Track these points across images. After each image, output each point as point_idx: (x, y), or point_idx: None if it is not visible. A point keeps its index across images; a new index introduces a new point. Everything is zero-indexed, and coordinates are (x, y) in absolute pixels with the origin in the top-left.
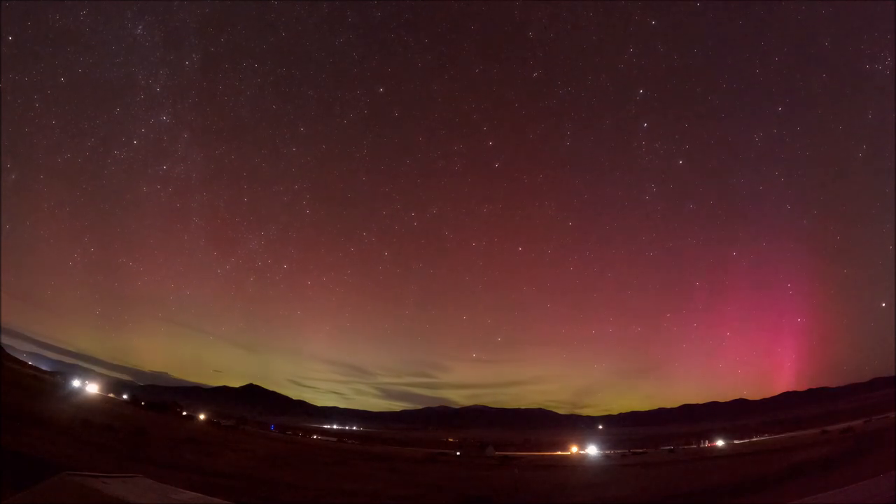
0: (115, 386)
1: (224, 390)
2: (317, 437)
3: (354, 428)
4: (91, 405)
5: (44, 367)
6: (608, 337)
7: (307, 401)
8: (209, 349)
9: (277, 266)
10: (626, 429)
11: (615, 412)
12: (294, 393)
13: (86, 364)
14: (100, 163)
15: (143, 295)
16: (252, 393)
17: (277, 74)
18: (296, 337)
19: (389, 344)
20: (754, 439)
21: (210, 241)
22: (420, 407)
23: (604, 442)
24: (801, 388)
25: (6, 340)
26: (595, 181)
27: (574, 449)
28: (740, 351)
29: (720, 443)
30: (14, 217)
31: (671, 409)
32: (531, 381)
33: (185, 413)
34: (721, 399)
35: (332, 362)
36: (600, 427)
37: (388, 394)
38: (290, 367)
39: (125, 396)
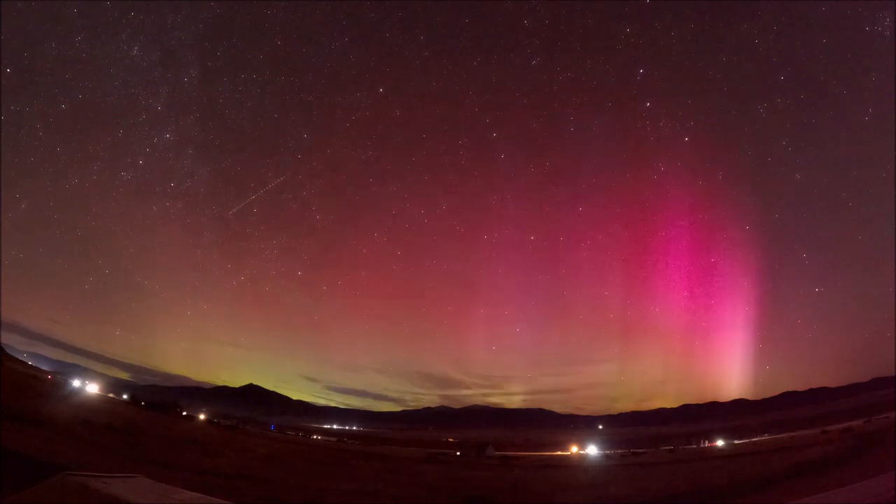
0: (115, 386)
1: (224, 390)
2: (317, 437)
3: (354, 428)
4: (91, 405)
5: (44, 367)
6: (626, 320)
7: (307, 401)
8: (229, 360)
9: (292, 273)
10: (626, 429)
11: (615, 412)
12: (297, 396)
13: (87, 361)
14: (108, 185)
15: (161, 313)
16: (252, 393)
17: (277, 83)
18: (313, 342)
19: (406, 343)
20: (754, 439)
21: (223, 254)
22: (420, 407)
23: (604, 442)
24: (801, 388)
25: (6, 339)
26: (602, 165)
27: (574, 449)
28: (761, 326)
29: (720, 443)
30: (27, 247)
31: (671, 409)
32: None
33: (185, 413)
34: (721, 399)
35: (345, 367)
36: (600, 427)
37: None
38: (312, 371)
39: (125, 396)
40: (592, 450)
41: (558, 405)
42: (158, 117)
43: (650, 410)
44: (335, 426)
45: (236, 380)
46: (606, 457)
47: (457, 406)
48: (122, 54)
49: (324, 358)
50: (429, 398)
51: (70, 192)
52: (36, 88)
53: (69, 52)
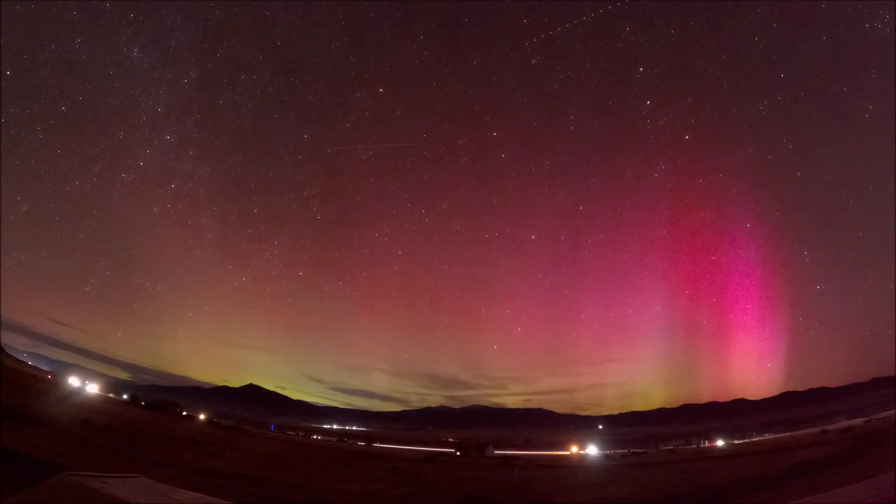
0: (115, 386)
1: (224, 390)
2: (317, 437)
3: (354, 428)
4: (91, 405)
5: (44, 367)
6: (628, 318)
7: (308, 401)
8: (231, 361)
9: (293, 274)
10: (626, 429)
11: (615, 412)
12: (302, 397)
13: (87, 361)
14: (108, 188)
15: (162, 314)
16: (252, 393)
17: (276, 84)
18: (316, 342)
19: (407, 343)
20: (754, 439)
21: (224, 254)
22: (420, 407)
23: (604, 442)
24: (801, 388)
25: (6, 339)
26: (603, 163)
27: (574, 449)
28: (763, 324)
29: (720, 443)
30: (28, 248)
31: (671, 409)
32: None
33: (185, 413)
34: (721, 399)
35: (350, 368)
36: (600, 427)
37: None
38: (317, 372)
39: (125, 396)
40: (592, 450)
41: (560, 405)
42: (158, 119)
43: (650, 410)
44: (335, 426)
45: (238, 380)
46: (606, 457)
47: (457, 406)
48: (122, 56)
49: (328, 359)
50: (433, 398)
51: (70, 193)
52: (36, 90)
53: (69, 54)
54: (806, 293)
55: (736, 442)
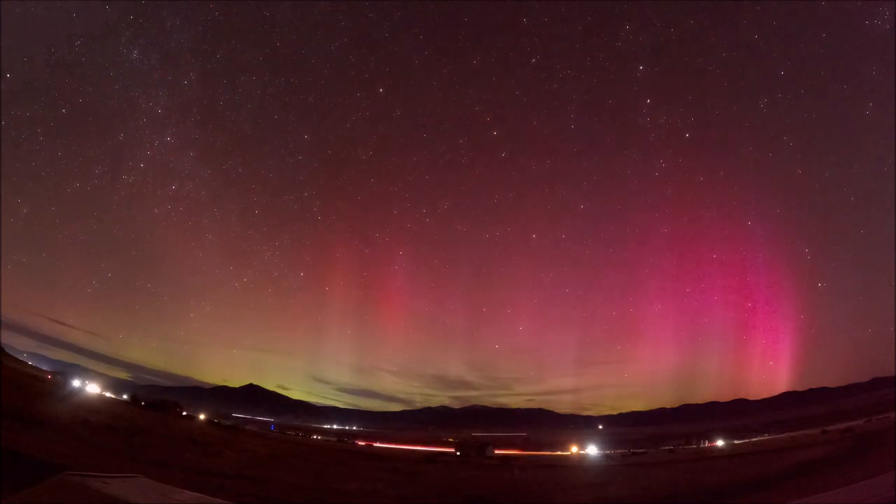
0: (115, 386)
1: (224, 390)
2: (317, 437)
3: (354, 428)
4: (91, 405)
5: (44, 367)
6: (629, 316)
7: (307, 401)
8: (232, 361)
9: (294, 274)
10: (626, 429)
11: (615, 412)
12: (306, 397)
13: (87, 361)
14: (109, 189)
15: (163, 316)
16: (252, 393)
17: (276, 85)
18: (317, 343)
19: (411, 342)
20: (754, 439)
21: (225, 255)
22: (421, 407)
23: (604, 442)
24: (801, 388)
25: (6, 339)
26: (603, 162)
27: (574, 449)
28: (764, 323)
29: (720, 443)
30: (30, 250)
31: (671, 409)
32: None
33: (185, 413)
34: (721, 399)
35: (353, 368)
36: (600, 427)
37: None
38: (320, 373)
39: (125, 396)
40: (592, 450)
41: (562, 405)
42: (159, 120)
43: (650, 410)
44: (335, 426)
45: (239, 380)
46: (606, 457)
47: (457, 406)
48: (122, 58)
49: (332, 359)
50: (438, 399)
51: (71, 195)
52: (36, 93)
53: (69, 56)
54: (807, 291)
55: (736, 442)
